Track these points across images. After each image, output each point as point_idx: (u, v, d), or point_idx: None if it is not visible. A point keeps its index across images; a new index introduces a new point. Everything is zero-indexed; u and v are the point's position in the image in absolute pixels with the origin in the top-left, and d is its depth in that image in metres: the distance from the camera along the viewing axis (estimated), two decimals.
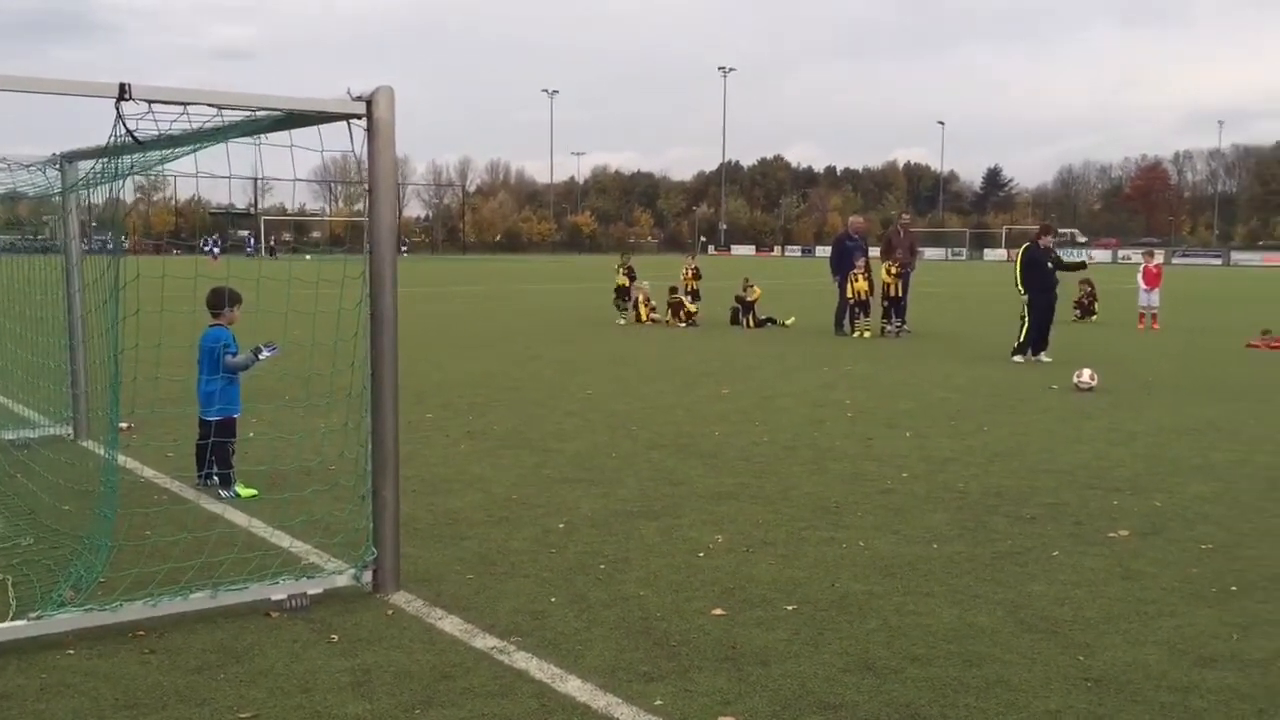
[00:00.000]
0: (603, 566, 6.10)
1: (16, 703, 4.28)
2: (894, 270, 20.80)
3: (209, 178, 5.74)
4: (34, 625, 4.87)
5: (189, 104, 4.82)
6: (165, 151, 5.46)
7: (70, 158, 8.36)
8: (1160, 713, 4.28)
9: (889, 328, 20.80)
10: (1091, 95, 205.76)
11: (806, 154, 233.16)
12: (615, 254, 26.64)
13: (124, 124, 4.72)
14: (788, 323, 22.85)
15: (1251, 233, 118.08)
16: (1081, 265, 20.21)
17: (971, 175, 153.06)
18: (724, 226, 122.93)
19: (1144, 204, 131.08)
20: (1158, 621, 5.29)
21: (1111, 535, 6.81)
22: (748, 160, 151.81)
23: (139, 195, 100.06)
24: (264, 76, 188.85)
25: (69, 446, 9.24)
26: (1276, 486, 8.17)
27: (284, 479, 7.62)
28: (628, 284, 24.25)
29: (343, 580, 5.62)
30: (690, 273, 24.92)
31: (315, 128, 5.42)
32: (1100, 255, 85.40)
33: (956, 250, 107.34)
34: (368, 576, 5.63)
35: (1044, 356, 16.42)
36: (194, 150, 5.47)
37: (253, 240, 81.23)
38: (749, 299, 22.98)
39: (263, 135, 5.45)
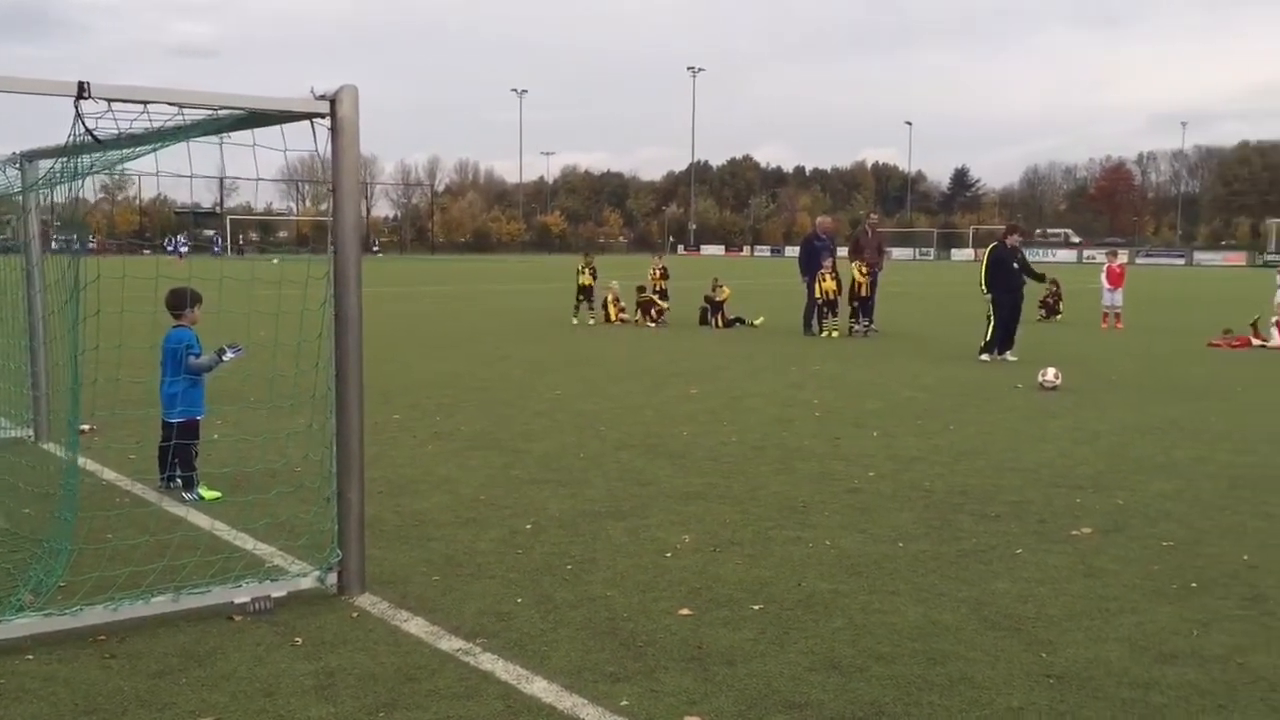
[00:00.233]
0: (569, 567, 6.09)
1: None
2: (864, 270, 20.93)
3: (172, 177, 5.67)
4: None
5: (149, 102, 4.77)
6: (126, 150, 5.40)
7: (30, 156, 8.25)
8: (1121, 708, 4.33)
9: (857, 327, 20.91)
10: (1057, 96, 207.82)
11: (775, 154, 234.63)
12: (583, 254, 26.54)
13: (83, 123, 4.67)
14: (756, 323, 22.91)
15: (1214, 233, 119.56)
16: (1041, 278, 20.35)
17: (939, 175, 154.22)
18: (693, 226, 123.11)
19: (1108, 204, 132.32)
20: (1119, 618, 5.34)
21: (1074, 533, 6.87)
22: (717, 160, 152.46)
23: (103, 195, 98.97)
24: (227, 74, 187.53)
25: (29, 449, 9.13)
26: (1237, 485, 8.28)
27: (248, 481, 7.56)
28: (591, 283, 24.23)
29: (307, 583, 5.58)
30: (658, 273, 24.94)
31: (279, 127, 5.38)
32: (1064, 255, 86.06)
33: (924, 250, 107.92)
34: (332, 579, 5.59)
35: (1010, 355, 16.56)
36: (156, 149, 5.42)
37: (219, 240, 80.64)
38: (718, 299, 23.03)
39: (226, 134, 5.41)
